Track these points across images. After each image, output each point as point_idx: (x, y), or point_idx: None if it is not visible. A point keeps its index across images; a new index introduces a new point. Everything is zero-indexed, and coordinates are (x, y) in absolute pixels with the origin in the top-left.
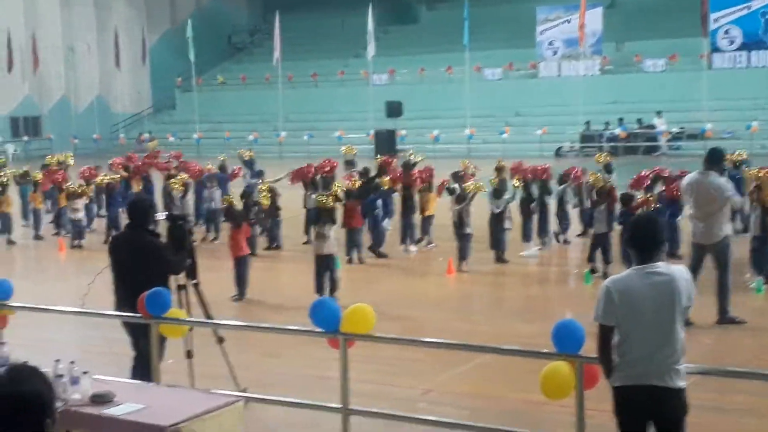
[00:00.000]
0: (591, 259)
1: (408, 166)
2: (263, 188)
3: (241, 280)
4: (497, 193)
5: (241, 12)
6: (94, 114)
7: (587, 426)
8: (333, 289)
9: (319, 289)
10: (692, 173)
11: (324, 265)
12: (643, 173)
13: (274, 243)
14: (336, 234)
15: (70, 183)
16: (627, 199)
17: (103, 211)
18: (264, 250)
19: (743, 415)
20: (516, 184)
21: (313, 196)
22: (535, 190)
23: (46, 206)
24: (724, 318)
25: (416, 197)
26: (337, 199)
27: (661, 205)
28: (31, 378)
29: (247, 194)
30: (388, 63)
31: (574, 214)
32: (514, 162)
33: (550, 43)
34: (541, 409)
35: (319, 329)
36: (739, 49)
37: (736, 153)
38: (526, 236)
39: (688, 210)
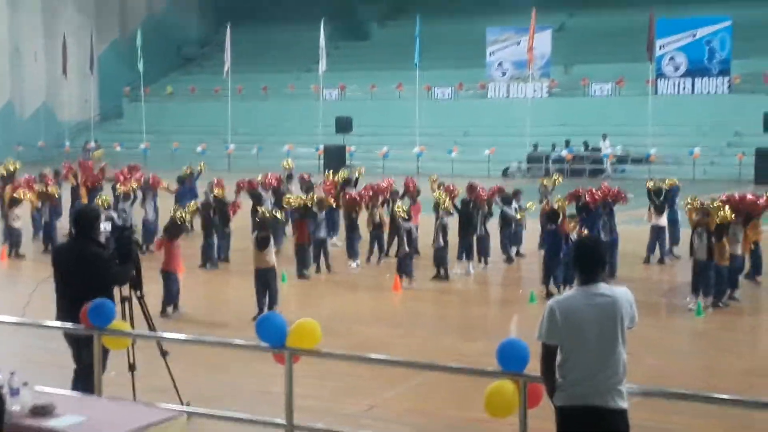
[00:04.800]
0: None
1: (349, 183)
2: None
3: (173, 295)
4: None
5: (192, 23)
6: (40, 121)
7: None
8: (271, 302)
9: (259, 303)
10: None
11: (261, 279)
12: (576, 190)
13: (222, 256)
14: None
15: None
16: (553, 215)
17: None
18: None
19: None
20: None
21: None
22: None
23: None
24: None
25: (360, 214)
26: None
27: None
28: None
29: (207, 206)
30: (338, 78)
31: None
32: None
33: (500, 64)
34: (485, 427)
35: (264, 344)
36: (683, 75)
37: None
38: (459, 254)
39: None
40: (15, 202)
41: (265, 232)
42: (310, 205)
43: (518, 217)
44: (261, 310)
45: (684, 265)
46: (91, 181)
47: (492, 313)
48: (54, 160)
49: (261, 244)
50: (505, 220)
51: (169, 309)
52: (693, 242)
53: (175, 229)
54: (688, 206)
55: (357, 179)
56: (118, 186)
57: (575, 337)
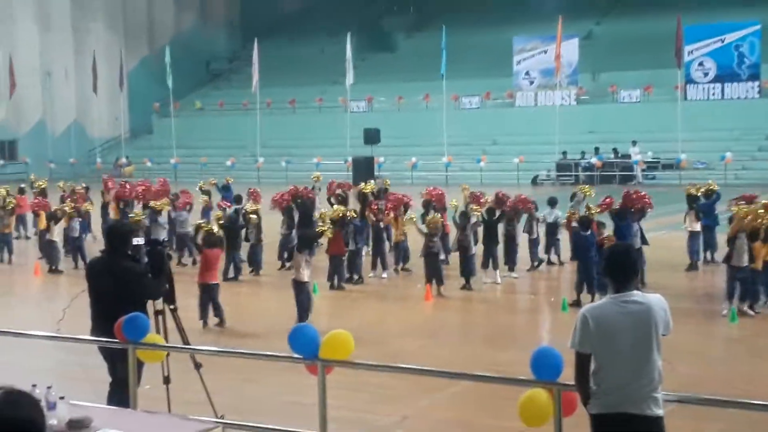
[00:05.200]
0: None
1: (379, 195)
2: (249, 211)
3: (217, 306)
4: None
5: (220, 38)
6: (71, 138)
7: None
8: (299, 316)
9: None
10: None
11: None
12: (607, 198)
13: (254, 268)
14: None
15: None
16: (586, 222)
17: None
18: (249, 275)
19: None
20: (475, 209)
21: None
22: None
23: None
24: None
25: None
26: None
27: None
28: (25, 404)
29: (232, 220)
30: (366, 90)
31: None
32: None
33: (527, 73)
34: None
35: (297, 355)
36: (712, 81)
37: (707, 183)
38: (484, 264)
39: None
40: (54, 217)
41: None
42: (346, 216)
43: (562, 222)
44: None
45: (717, 271)
46: (121, 196)
47: (524, 322)
48: (85, 176)
49: (288, 258)
50: (536, 227)
51: (210, 320)
52: (730, 248)
53: (212, 240)
54: (733, 211)
55: (386, 190)
56: (153, 202)
57: (609, 345)
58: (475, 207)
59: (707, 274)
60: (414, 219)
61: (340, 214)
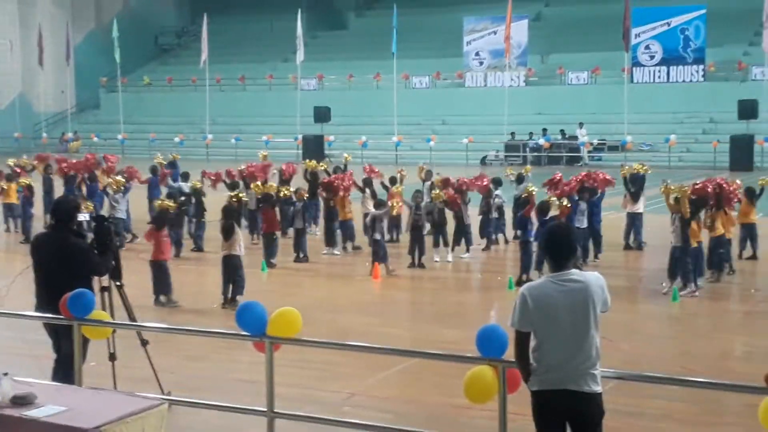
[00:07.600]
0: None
1: (336, 171)
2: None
3: (165, 284)
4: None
5: (169, 13)
6: (16, 112)
7: (509, 429)
8: (234, 290)
9: (224, 291)
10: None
11: (227, 266)
12: (554, 176)
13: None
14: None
15: None
16: (544, 207)
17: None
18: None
19: (659, 419)
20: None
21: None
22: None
23: None
24: None
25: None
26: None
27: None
28: None
29: (172, 196)
30: (316, 68)
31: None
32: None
33: (477, 54)
34: (465, 413)
35: (245, 333)
36: (658, 64)
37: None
38: (435, 242)
39: None
40: None
41: (227, 220)
42: (274, 194)
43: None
44: (225, 298)
45: (659, 251)
46: (66, 171)
47: (471, 300)
48: (31, 151)
49: (226, 233)
50: (489, 208)
51: (163, 298)
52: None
53: (162, 219)
54: (663, 191)
55: (345, 166)
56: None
57: (548, 322)
58: (436, 193)
59: (648, 253)
60: (400, 190)
61: (263, 192)
